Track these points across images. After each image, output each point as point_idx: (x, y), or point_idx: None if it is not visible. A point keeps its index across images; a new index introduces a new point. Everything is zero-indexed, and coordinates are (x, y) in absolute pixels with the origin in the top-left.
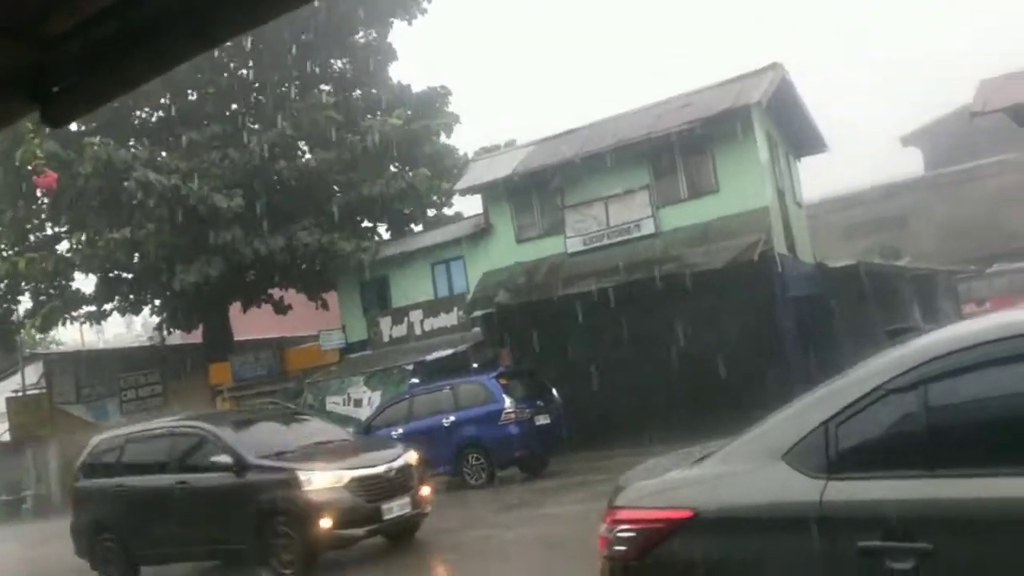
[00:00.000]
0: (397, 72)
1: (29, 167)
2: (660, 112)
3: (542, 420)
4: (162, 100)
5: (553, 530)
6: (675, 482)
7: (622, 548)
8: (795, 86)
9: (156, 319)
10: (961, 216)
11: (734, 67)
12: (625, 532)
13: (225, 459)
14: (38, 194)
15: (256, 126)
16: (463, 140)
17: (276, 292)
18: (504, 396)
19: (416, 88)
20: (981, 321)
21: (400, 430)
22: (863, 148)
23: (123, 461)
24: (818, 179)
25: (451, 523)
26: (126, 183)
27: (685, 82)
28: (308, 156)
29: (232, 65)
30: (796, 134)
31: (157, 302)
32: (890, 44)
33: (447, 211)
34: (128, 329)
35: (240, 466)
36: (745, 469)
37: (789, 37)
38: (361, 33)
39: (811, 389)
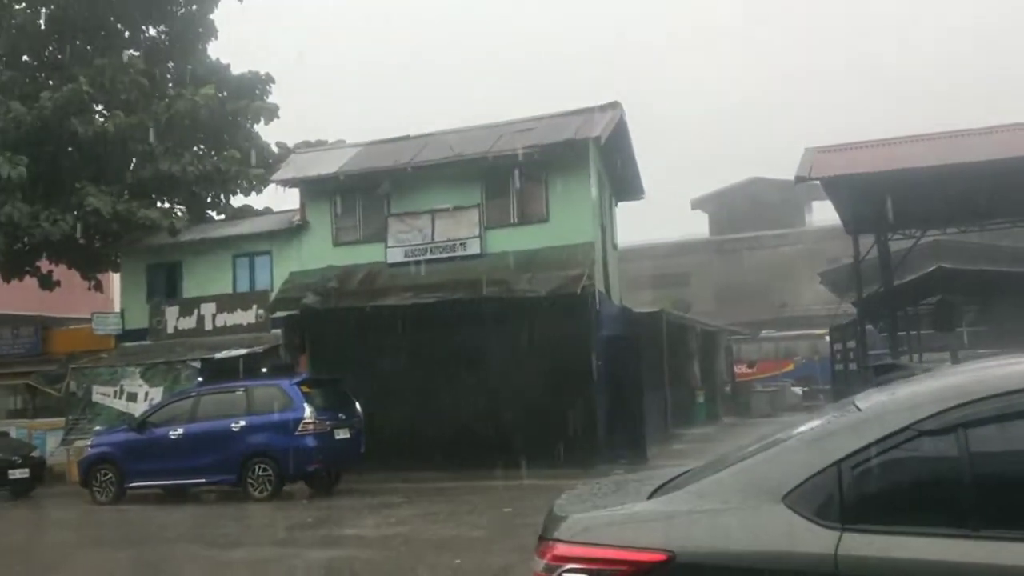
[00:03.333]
0: (217, 53)
1: None
2: (500, 133)
3: (342, 434)
4: None
5: (360, 554)
6: (638, 516)
7: None
8: (628, 128)
9: None
10: (739, 281)
11: (567, 99)
12: (573, 572)
13: None
14: None
15: (51, 82)
16: (278, 136)
17: (44, 265)
18: (304, 404)
19: (236, 70)
20: None
21: (180, 430)
22: (659, 203)
23: None
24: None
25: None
26: None
27: (518, 107)
28: (104, 120)
29: (28, 10)
30: (620, 177)
31: None
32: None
33: (255, 197)
34: None
35: None
36: (732, 508)
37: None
38: (181, 2)
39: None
